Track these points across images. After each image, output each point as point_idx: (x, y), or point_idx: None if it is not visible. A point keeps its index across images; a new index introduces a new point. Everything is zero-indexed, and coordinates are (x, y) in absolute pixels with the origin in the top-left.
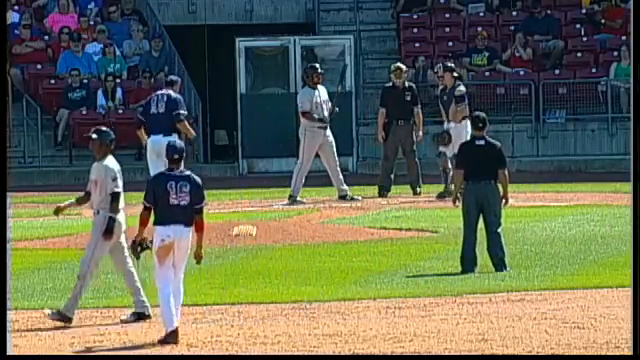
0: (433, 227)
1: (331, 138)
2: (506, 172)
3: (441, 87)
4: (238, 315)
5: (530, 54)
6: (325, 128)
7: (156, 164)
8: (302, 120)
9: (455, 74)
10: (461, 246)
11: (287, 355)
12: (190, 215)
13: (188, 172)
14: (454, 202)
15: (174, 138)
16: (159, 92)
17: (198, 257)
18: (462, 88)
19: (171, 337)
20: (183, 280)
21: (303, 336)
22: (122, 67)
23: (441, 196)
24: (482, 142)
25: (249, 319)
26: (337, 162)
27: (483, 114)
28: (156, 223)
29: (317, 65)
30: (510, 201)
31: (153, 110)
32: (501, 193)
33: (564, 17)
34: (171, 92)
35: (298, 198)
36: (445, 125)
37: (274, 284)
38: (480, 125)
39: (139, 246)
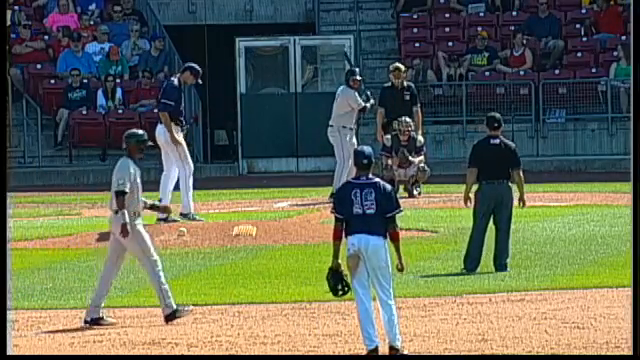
0: (433, 227)
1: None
2: (521, 173)
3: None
4: (238, 315)
5: (530, 54)
6: (352, 131)
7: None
8: (336, 120)
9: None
10: (467, 244)
11: (287, 355)
12: (379, 224)
13: (376, 179)
14: (465, 202)
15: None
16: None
17: (399, 268)
18: (421, 138)
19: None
20: (391, 294)
21: (303, 336)
22: (124, 69)
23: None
24: (497, 141)
25: (249, 319)
26: None
27: (498, 114)
28: (345, 235)
29: (357, 70)
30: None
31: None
32: (514, 193)
33: (564, 17)
34: (173, 79)
35: None
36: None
37: (274, 284)
38: (495, 125)
39: (339, 283)
